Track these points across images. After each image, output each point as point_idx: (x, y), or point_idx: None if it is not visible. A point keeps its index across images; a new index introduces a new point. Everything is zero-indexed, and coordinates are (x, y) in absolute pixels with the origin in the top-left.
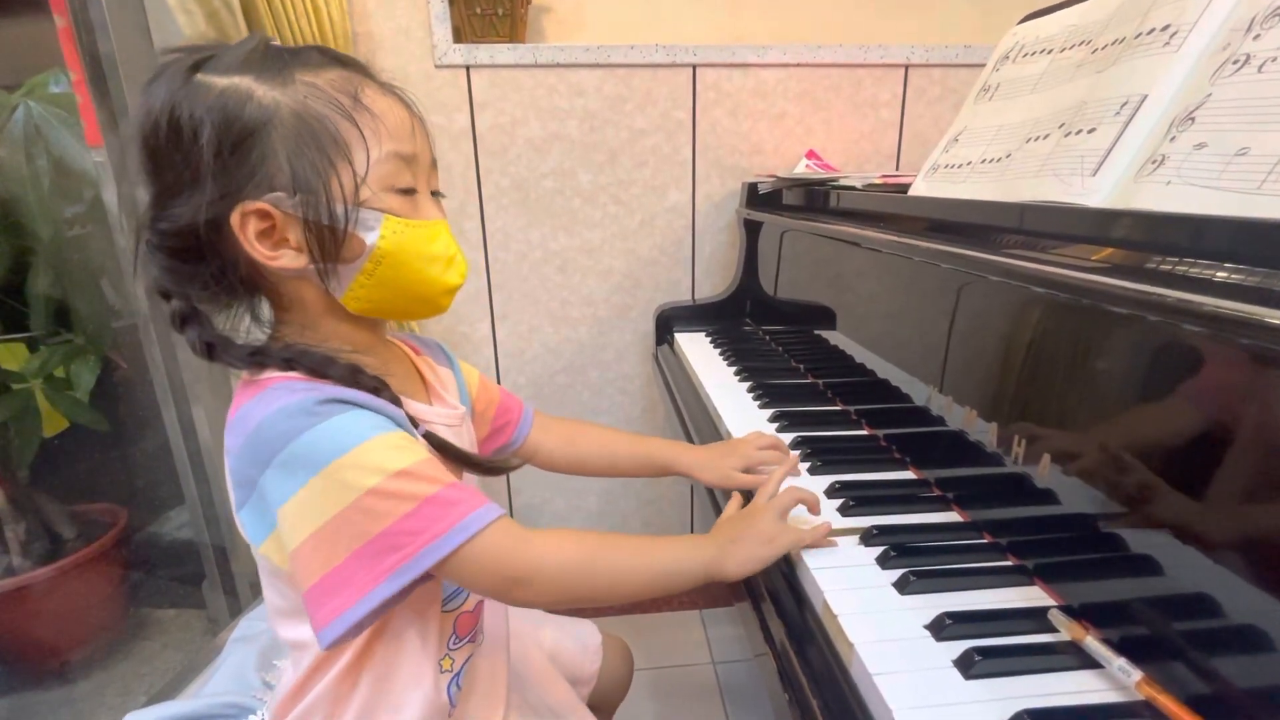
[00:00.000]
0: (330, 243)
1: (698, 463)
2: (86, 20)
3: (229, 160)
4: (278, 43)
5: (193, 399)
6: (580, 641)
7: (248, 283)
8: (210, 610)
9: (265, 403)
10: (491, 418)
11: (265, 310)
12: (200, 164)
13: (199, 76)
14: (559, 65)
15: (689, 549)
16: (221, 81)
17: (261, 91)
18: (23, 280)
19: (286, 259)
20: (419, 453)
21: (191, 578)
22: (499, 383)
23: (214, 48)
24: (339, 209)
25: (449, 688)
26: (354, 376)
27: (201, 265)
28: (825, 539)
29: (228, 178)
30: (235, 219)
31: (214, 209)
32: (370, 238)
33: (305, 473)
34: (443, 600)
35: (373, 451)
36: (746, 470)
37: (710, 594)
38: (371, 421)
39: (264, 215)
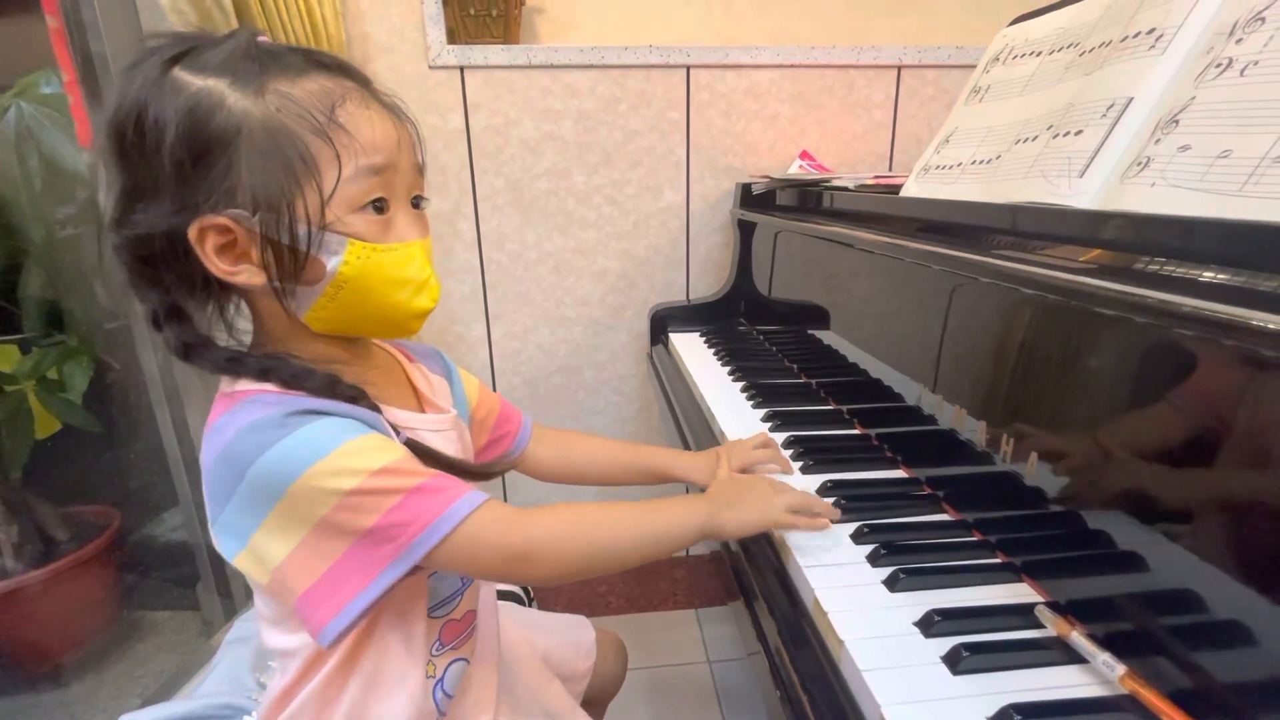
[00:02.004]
0: (290, 264)
1: (694, 468)
2: (78, 20)
3: (191, 172)
4: (266, 38)
5: (186, 400)
6: (574, 638)
7: (213, 292)
8: (205, 612)
9: (236, 417)
10: (492, 426)
11: (237, 316)
12: (162, 172)
13: (175, 72)
14: (553, 66)
15: (685, 510)
16: (196, 83)
17: (234, 100)
18: (15, 282)
19: (246, 275)
20: (397, 450)
21: (186, 579)
22: (494, 384)
23: (200, 38)
24: (301, 231)
25: (434, 693)
26: (331, 387)
27: (165, 271)
28: (816, 521)
29: (188, 189)
30: (193, 233)
31: (173, 220)
32: (332, 263)
33: (277, 490)
34: (430, 606)
35: (347, 455)
36: (743, 471)
37: (706, 593)
38: (341, 426)
39: (224, 230)
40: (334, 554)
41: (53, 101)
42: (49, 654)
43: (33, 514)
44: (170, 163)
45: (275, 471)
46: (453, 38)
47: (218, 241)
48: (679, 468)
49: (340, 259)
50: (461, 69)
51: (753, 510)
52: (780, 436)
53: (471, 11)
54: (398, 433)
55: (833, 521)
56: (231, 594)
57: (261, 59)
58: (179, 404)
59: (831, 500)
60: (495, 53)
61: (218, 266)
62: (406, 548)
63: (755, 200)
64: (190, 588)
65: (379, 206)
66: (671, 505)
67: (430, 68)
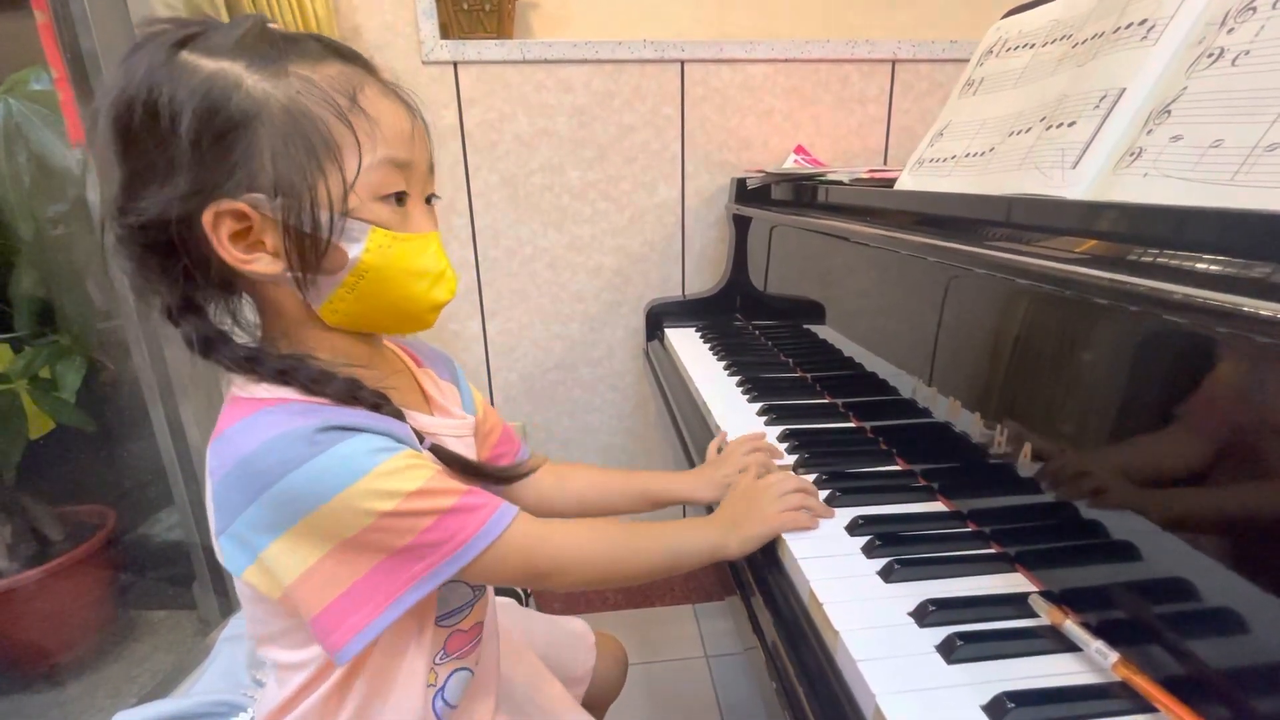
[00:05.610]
0: (311, 252)
1: (692, 486)
2: (67, 16)
3: (208, 154)
4: (276, 25)
5: (180, 399)
6: (573, 640)
7: (222, 284)
8: (201, 611)
9: (259, 427)
10: (493, 444)
11: (246, 312)
12: (176, 154)
13: (184, 55)
14: (547, 61)
15: (697, 533)
16: (209, 65)
17: (252, 81)
18: (6, 280)
19: (261, 264)
20: (428, 468)
21: (182, 578)
22: (490, 381)
23: (203, 23)
24: (323, 217)
25: (434, 702)
26: (352, 393)
27: (172, 261)
28: (815, 520)
29: (205, 172)
30: (208, 218)
31: (186, 205)
32: (354, 250)
33: (303, 508)
34: (439, 615)
35: (382, 478)
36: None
37: (704, 588)
38: (374, 445)
39: (240, 216)
40: (357, 572)
41: (42, 98)
42: (45, 654)
43: (27, 514)
44: (187, 144)
45: (306, 490)
46: (446, 33)
47: (233, 228)
48: (677, 489)
49: (362, 246)
50: (455, 64)
51: (754, 524)
52: (776, 430)
53: (465, 6)
54: (421, 440)
55: (828, 516)
56: (227, 592)
57: (278, 43)
58: (173, 403)
59: (827, 494)
60: (489, 48)
61: (232, 254)
62: (435, 568)
63: (750, 195)
64: (186, 587)
65: (399, 198)
66: (685, 530)
67: (423, 63)
